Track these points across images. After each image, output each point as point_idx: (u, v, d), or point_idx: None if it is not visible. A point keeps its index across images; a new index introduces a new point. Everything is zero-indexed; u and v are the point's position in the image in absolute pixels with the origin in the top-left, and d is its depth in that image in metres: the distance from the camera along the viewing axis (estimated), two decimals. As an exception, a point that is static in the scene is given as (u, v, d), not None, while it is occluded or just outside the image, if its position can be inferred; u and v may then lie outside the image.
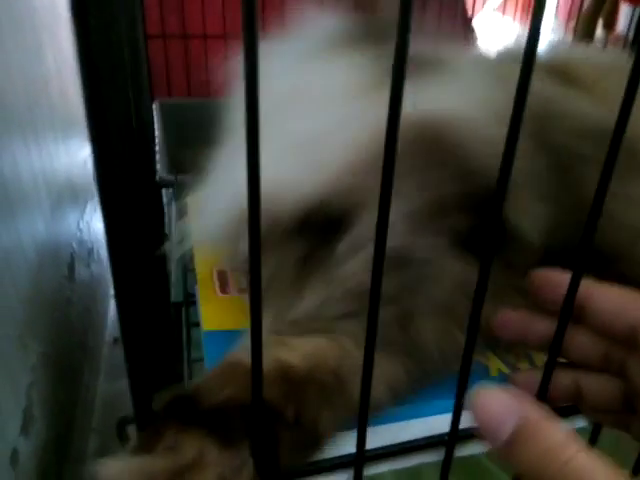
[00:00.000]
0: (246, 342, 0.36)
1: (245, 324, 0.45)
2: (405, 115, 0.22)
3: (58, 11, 1.19)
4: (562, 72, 0.56)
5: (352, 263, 0.40)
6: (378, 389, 0.39)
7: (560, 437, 0.26)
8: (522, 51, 0.23)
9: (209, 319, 0.48)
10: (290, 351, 0.38)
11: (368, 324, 0.26)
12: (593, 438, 0.37)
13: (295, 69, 0.49)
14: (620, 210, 0.42)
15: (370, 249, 0.27)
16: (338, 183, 0.39)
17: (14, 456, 0.71)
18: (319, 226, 0.40)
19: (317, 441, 0.36)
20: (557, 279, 0.35)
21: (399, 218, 0.38)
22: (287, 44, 0.49)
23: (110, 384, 1.32)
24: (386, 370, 0.41)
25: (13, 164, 0.81)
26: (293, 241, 0.41)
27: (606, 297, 0.33)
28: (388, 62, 0.22)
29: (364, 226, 0.39)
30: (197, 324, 0.52)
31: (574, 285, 0.30)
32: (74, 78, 1.35)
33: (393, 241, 0.28)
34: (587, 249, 0.27)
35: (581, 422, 0.40)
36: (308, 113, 0.43)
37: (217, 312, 0.49)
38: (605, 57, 0.71)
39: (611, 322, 0.33)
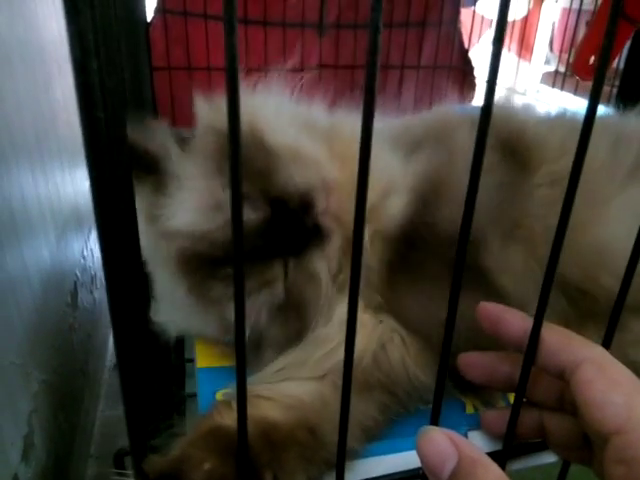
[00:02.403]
0: (228, 394, 0.39)
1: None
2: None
3: (66, 46, 1.24)
4: None
5: None
6: (353, 434, 0.41)
7: (493, 475, 0.29)
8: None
9: (203, 356, 0.50)
10: (273, 407, 0.39)
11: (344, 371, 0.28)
12: (562, 472, 0.39)
13: None
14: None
15: None
16: None
17: (14, 483, 0.72)
18: None
19: None
20: (505, 315, 0.38)
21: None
22: None
23: (110, 410, 1.33)
24: (361, 412, 0.43)
25: (21, 194, 0.84)
26: None
27: (545, 338, 0.35)
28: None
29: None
30: (190, 360, 0.54)
31: (536, 329, 0.32)
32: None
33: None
34: (546, 295, 0.29)
35: (552, 457, 0.42)
36: None
37: (211, 348, 0.50)
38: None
39: (547, 363, 0.35)
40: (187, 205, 0.49)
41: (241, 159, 0.25)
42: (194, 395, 0.51)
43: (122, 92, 0.29)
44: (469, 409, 0.47)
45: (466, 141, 0.50)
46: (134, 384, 0.27)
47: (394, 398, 0.45)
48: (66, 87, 1.20)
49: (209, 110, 0.56)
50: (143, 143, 0.52)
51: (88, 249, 1.31)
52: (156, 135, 0.54)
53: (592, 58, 1.33)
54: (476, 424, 0.45)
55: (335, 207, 0.47)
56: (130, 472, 0.40)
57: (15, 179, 0.82)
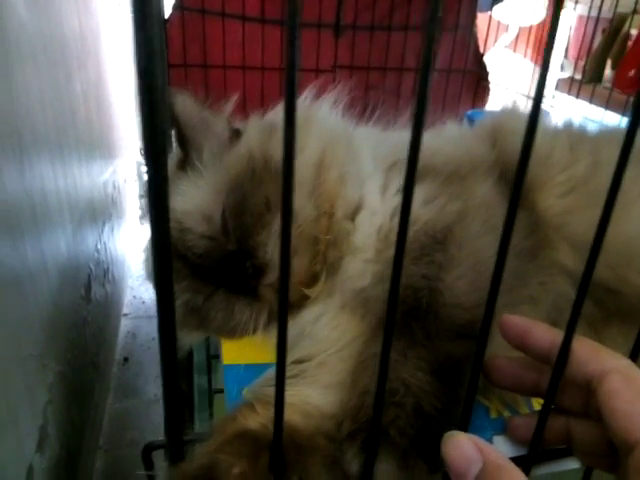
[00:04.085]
0: (251, 394, 0.38)
1: (264, 358, 0.47)
2: None
3: (87, 42, 1.25)
4: None
5: None
6: None
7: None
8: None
9: (229, 353, 0.50)
10: (294, 412, 0.40)
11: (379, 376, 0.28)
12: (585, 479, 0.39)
13: None
14: None
15: None
16: None
17: (30, 473, 0.73)
18: None
19: None
20: (531, 327, 0.38)
21: None
22: None
23: (119, 404, 1.34)
24: None
25: (41, 186, 0.85)
26: None
27: (575, 348, 0.35)
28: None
29: None
30: (216, 357, 0.54)
31: (568, 338, 0.32)
32: (98, 104, 1.40)
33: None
34: (579, 308, 0.30)
35: (575, 464, 0.42)
36: None
37: (237, 346, 0.51)
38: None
39: (574, 372, 0.35)
40: (191, 199, 0.53)
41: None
42: (220, 391, 0.51)
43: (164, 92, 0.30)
44: (493, 414, 0.47)
45: (486, 197, 0.49)
46: (174, 380, 0.28)
47: None
48: (85, 82, 1.21)
49: (258, 132, 0.57)
50: (188, 122, 0.55)
51: (102, 243, 1.33)
52: (211, 122, 0.56)
53: (632, 71, 1.33)
54: (500, 429, 0.45)
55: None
56: (158, 467, 0.40)
57: (37, 171, 0.83)
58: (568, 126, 0.62)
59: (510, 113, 0.64)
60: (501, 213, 0.42)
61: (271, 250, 0.50)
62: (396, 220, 0.48)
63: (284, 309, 0.25)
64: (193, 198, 0.53)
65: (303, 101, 0.60)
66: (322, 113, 0.59)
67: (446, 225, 0.46)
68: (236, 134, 0.57)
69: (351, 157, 0.55)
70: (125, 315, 1.66)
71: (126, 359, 1.48)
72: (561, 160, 0.54)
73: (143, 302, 1.72)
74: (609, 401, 0.33)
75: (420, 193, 0.49)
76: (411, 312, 0.41)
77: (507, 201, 0.28)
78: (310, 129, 0.57)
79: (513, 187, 0.27)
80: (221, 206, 0.52)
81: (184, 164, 0.55)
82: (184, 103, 0.55)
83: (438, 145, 0.57)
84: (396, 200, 0.50)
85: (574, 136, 0.58)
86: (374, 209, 0.51)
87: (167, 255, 0.26)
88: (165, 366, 0.28)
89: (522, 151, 0.26)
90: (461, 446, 0.32)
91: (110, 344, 1.42)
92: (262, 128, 0.57)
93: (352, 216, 0.52)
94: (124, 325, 1.62)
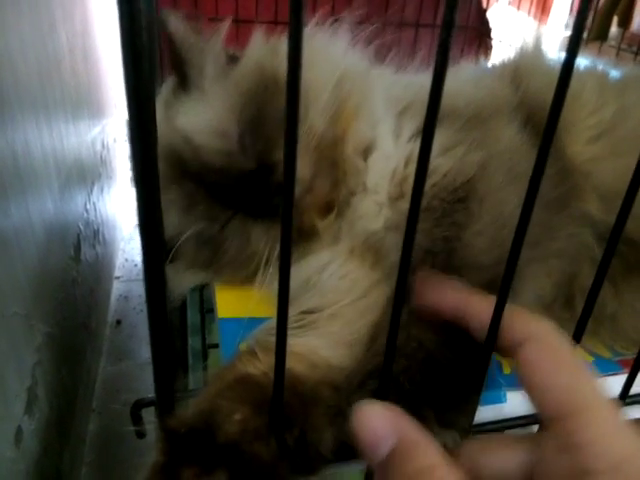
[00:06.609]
0: (252, 341, 0.36)
1: (261, 312, 0.45)
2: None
3: (71, -11, 1.18)
4: None
5: None
6: None
7: (433, 459, 0.26)
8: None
9: (224, 306, 0.48)
10: (299, 361, 0.37)
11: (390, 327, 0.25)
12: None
13: None
14: None
15: None
16: None
17: (18, 434, 0.71)
18: None
19: (317, 461, 0.34)
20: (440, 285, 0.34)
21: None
22: None
23: (111, 366, 1.33)
24: None
25: (25, 143, 0.81)
26: None
27: (480, 308, 0.31)
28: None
29: None
30: (210, 310, 0.52)
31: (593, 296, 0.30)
32: (85, 58, 1.33)
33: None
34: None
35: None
36: None
37: (232, 299, 0.48)
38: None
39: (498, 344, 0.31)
40: (200, 116, 0.49)
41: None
42: (215, 346, 0.49)
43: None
44: (506, 369, 0.46)
45: (510, 142, 0.45)
46: (163, 335, 0.25)
47: None
48: (70, 32, 1.15)
49: (263, 47, 0.54)
50: (184, 41, 0.52)
51: (91, 203, 1.29)
52: (206, 47, 0.53)
53: None
54: (514, 384, 0.43)
55: (304, 204, 0.48)
56: (147, 423, 0.38)
57: (20, 128, 0.79)
58: (592, 69, 0.59)
59: (534, 51, 0.60)
60: (526, 160, 0.38)
61: (296, 165, 0.46)
62: (411, 168, 0.45)
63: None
64: (202, 115, 0.49)
65: (312, 28, 0.56)
66: (340, 46, 0.56)
67: (468, 178, 0.42)
68: (233, 59, 0.54)
69: (366, 95, 0.51)
70: (117, 278, 1.63)
71: (119, 322, 1.46)
72: (590, 101, 0.50)
73: (135, 265, 1.69)
74: (526, 373, 0.29)
75: (438, 139, 0.44)
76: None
77: (534, 147, 0.25)
78: (329, 53, 0.55)
79: (544, 132, 0.24)
80: (236, 121, 0.49)
81: (183, 86, 0.51)
82: (178, 23, 0.51)
83: (456, 85, 0.52)
84: (410, 147, 0.47)
85: (601, 78, 0.54)
86: (388, 153, 0.48)
87: (155, 200, 0.23)
88: (152, 314, 0.25)
89: (555, 96, 0.23)
90: (372, 419, 0.28)
91: (102, 306, 1.40)
92: (266, 47, 0.54)
93: (364, 155, 0.48)
94: (116, 288, 1.59)
